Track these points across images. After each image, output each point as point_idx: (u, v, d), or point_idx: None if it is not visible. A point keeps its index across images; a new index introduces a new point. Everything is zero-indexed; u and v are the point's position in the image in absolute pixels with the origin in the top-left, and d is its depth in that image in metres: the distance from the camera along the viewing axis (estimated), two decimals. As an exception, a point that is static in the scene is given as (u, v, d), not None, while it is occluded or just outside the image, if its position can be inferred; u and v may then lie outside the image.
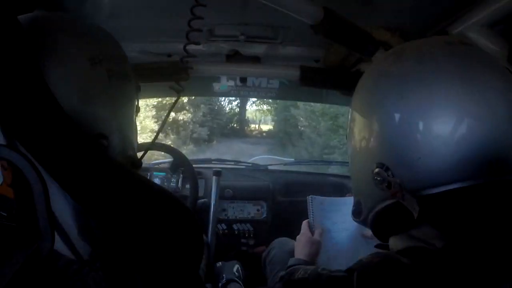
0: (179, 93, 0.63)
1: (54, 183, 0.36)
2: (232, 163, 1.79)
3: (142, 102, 0.64)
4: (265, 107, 13.11)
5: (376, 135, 0.45)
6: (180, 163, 1.24)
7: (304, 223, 0.89)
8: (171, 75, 0.92)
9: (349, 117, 0.52)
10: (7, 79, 0.34)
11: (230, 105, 12.69)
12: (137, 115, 0.58)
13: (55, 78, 0.42)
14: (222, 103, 11.97)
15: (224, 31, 0.85)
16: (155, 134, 0.66)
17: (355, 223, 0.94)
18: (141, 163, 0.56)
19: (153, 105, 7.69)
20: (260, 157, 1.81)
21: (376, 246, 0.54)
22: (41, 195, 0.34)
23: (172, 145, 1.28)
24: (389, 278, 0.41)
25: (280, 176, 1.59)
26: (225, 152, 7.64)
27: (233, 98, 11.00)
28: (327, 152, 6.17)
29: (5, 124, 0.36)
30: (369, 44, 0.70)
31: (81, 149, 0.38)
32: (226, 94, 1.46)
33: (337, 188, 1.45)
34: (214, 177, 1.23)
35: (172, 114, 8.00)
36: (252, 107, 13.71)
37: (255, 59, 0.99)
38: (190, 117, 9.44)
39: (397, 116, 0.43)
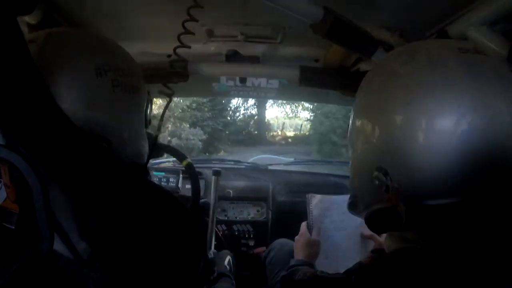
0: (170, 96, 0.62)
1: (54, 184, 0.36)
2: (232, 163, 1.79)
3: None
4: (288, 108, 11.35)
5: (378, 138, 0.44)
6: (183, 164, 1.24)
7: (303, 225, 0.90)
8: (169, 76, 0.92)
9: (352, 114, 0.52)
10: (9, 83, 0.34)
11: (244, 105, 10.56)
12: (147, 126, 0.59)
13: (60, 84, 0.44)
14: (233, 102, 10.08)
15: (223, 31, 0.85)
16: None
17: (354, 223, 0.95)
18: (147, 172, 0.56)
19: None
20: (260, 157, 1.81)
21: (373, 251, 0.54)
22: (41, 195, 0.34)
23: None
24: (387, 281, 0.41)
25: (280, 176, 1.59)
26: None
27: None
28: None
29: (5, 126, 0.36)
30: (368, 44, 0.70)
31: (80, 149, 0.38)
32: (226, 94, 1.46)
33: (338, 188, 1.45)
34: (213, 177, 1.22)
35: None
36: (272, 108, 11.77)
37: (254, 59, 0.99)
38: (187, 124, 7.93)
39: (401, 120, 0.42)
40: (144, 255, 0.39)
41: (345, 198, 0.97)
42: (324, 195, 0.97)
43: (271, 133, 11.47)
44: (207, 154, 7.64)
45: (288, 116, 12.09)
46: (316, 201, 0.94)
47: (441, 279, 0.39)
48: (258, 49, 0.95)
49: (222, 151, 8.54)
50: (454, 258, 0.39)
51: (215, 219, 1.23)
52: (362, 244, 0.90)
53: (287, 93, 1.37)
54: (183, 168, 1.32)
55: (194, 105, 8.28)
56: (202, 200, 1.27)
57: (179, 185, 1.38)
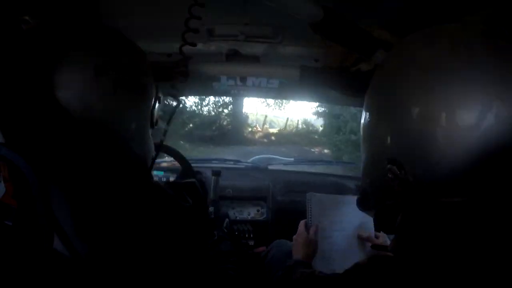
0: (176, 97, 0.61)
1: (53, 183, 0.36)
2: (232, 162, 1.79)
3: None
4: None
5: (394, 129, 0.41)
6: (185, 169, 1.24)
7: (301, 223, 0.90)
8: (169, 76, 0.92)
9: (364, 106, 0.49)
10: (9, 83, 0.34)
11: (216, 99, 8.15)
12: (153, 126, 0.58)
13: (60, 83, 0.43)
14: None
15: (224, 30, 0.85)
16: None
17: (353, 224, 0.95)
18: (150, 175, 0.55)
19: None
20: (260, 156, 1.81)
21: (373, 247, 0.54)
22: (41, 195, 0.34)
23: None
24: (385, 281, 0.40)
25: (280, 176, 1.59)
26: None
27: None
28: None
29: (6, 125, 0.36)
30: (369, 44, 0.70)
31: (79, 148, 0.38)
32: (226, 94, 1.46)
33: (338, 188, 1.45)
34: (213, 177, 1.22)
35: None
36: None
37: (254, 59, 0.99)
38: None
39: (420, 110, 0.38)
40: (144, 254, 0.39)
41: (345, 199, 0.98)
42: (324, 195, 0.97)
43: (250, 129, 9.09)
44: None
45: (272, 109, 10.11)
46: (316, 200, 0.94)
47: (443, 279, 0.38)
48: (258, 48, 0.95)
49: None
50: (459, 258, 0.39)
51: (215, 219, 1.23)
52: (360, 245, 0.90)
53: (287, 93, 1.37)
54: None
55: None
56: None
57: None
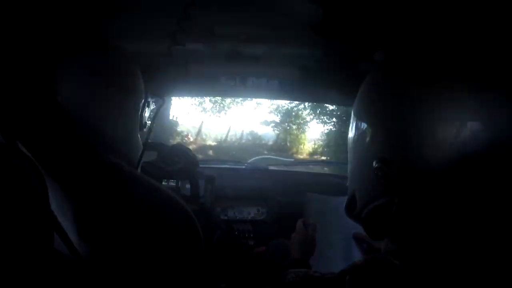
0: (161, 96, 0.62)
1: (52, 182, 0.36)
2: (232, 163, 1.79)
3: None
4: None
5: (381, 129, 0.44)
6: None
7: (299, 222, 0.89)
8: (168, 76, 0.92)
9: (353, 111, 0.51)
10: (11, 82, 0.34)
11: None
12: (141, 129, 0.58)
13: (57, 83, 0.44)
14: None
15: (224, 30, 0.85)
16: None
17: (351, 224, 0.95)
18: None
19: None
20: (260, 157, 1.81)
21: (368, 250, 0.54)
22: (41, 194, 0.34)
23: None
24: (381, 281, 0.40)
25: (280, 177, 1.59)
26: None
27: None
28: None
29: (5, 124, 0.36)
30: (369, 44, 0.70)
31: (78, 149, 0.38)
32: (226, 94, 1.46)
33: (338, 189, 1.45)
34: (207, 185, 1.22)
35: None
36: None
37: (254, 59, 0.99)
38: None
39: (411, 111, 0.41)
40: (142, 253, 0.39)
41: (342, 200, 0.98)
42: (323, 195, 0.97)
43: (179, 139, 7.06)
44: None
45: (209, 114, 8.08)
46: (314, 201, 0.94)
47: (438, 280, 0.38)
48: (258, 49, 0.95)
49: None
50: (450, 257, 0.39)
51: (214, 222, 1.23)
52: (357, 246, 0.90)
53: (287, 93, 1.37)
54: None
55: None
56: (202, 200, 1.27)
57: (179, 185, 1.38)
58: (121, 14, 0.74)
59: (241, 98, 7.54)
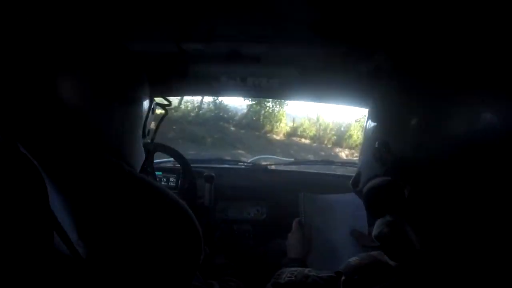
0: (165, 108, 0.62)
1: (53, 183, 0.36)
2: (232, 163, 1.79)
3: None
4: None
5: (386, 113, 0.45)
6: (181, 166, 1.24)
7: (295, 222, 0.90)
8: (169, 76, 0.92)
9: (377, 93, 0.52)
10: (11, 83, 0.34)
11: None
12: (145, 137, 0.57)
13: (60, 88, 0.43)
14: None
15: (224, 30, 0.85)
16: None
17: (346, 223, 0.95)
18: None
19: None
20: (260, 157, 1.82)
21: (364, 246, 0.54)
22: (41, 195, 0.34)
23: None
24: (376, 282, 0.41)
25: (280, 176, 1.59)
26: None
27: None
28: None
29: (5, 125, 0.36)
30: (369, 44, 0.70)
31: (78, 149, 0.38)
32: (226, 94, 1.46)
33: (338, 188, 1.45)
34: (206, 184, 1.22)
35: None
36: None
37: (255, 59, 0.99)
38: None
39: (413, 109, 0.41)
40: (141, 254, 0.39)
41: (337, 198, 0.98)
42: (317, 194, 0.97)
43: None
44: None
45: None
46: (308, 200, 0.94)
47: (433, 277, 0.38)
48: (258, 48, 0.95)
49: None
50: (448, 262, 0.39)
51: (214, 222, 1.23)
52: (353, 244, 0.90)
53: (287, 93, 1.37)
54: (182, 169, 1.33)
55: None
56: (201, 200, 1.27)
57: (179, 185, 1.38)
58: (122, 16, 0.74)
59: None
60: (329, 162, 2.79)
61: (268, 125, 8.59)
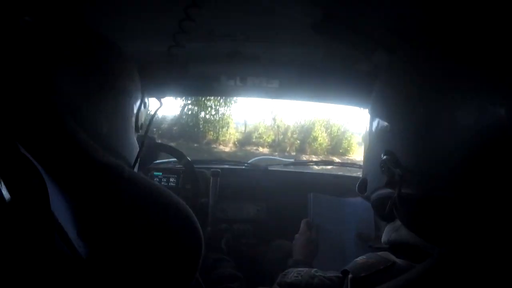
0: (160, 98, 0.61)
1: (53, 183, 0.36)
2: (232, 163, 1.79)
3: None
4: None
5: (391, 121, 0.44)
6: (182, 164, 1.24)
7: (303, 222, 0.89)
8: (169, 76, 0.92)
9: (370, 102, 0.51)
10: (7, 83, 0.33)
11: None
12: (138, 130, 0.57)
13: (52, 82, 0.43)
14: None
15: (224, 30, 0.85)
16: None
17: (353, 225, 0.95)
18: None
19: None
20: (260, 157, 1.82)
21: (370, 247, 0.54)
22: (41, 195, 0.34)
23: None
24: (383, 281, 0.40)
25: (280, 177, 1.59)
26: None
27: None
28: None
29: (4, 125, 0.36)
30: (369, 44, 0.70)
31: (78, 149, 0.38)
32: (226, 94, 1.46)
33: (337, 189, 1.45)
34: (212, 178, 1.23)
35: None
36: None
37: (254, 59, 0.99)
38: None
39: (422, 111, 0.40)
40: (143, 255, 0.39)
41: (346, 201, 0.98)
42: (326, 196, 0.97)
43: None
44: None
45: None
46: (317, 201, 0.94)
47: (438, 278, 0.38)
48: (258, 48, 0.95)
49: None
50: (456, 264, 0.38)
51: (215, 219, 1.23)
52: (361, 246, 0.90)
53: (287, 93, 1.37)
54: (184, 168, 1.33)
55: None
56: (202, 200, 1.28)
57: (179, 185, 1.38)
58: (120, 13, 0.74)
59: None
60: (328, 163, 2.79)
61: (211, 133, 6.62)
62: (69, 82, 0.45)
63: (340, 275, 0.46)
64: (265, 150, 7.26)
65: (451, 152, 0.38)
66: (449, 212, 0.40)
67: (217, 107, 6.81)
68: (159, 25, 0.79)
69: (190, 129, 6.67)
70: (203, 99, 6.52)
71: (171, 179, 1.39)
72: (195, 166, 1.30)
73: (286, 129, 8.03)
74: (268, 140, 7.65)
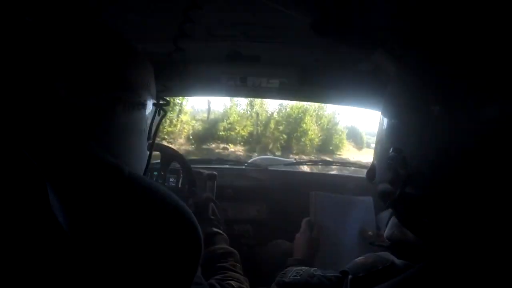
0: (164, 107, 0.57)
1: (53, 184, 0.36)
2: (232, 163, 1.79)
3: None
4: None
5: (402, 119, 0.44)
6: (170, 158, 1.23)
7: (304, 221, 0.88)
8: (169, 76, 0.92)
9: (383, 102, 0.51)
10: (9, 83, 0.33)
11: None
12: (149, 140, 0.55)
13: (60, 90, 0.41)
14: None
15: (224, 30, 0.85)
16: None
17: (355, 224, 0.94)
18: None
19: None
20: (260, 157, 1.82)
21: (371, 244, 0.54)
22: (41, 195, 0.34)
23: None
24: (382, 281, 0.40)
25: (280, 176, 1.59)
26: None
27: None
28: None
29: (4, 126, 0.36)
30: (369, 44, 0.70)
31: (78, 150, 0.38)
32: (226, 94, 1.46)
33: (337, 188, 1.45)
34: (208, 182, 1.22)
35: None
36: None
37: (255, 59, 0.99)
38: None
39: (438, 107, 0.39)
40: (143, 255, 0.39)
41: (348, 199, 0.98)
42: (328, 194, 0.97)
43: None
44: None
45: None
46: (319, 200, 0.94)
47: (437, 278, 0.38)
48: (258, 49, 0.95)
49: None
50: (454, 266, 0.38)
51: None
52: (362, 245, 0.90)
53: (287, 93, 1.37)
54: (183, 168, 1.32)
55: None
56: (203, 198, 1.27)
57: (179, 185, 1.38)
58: (120, 13, 0.74)
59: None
60: (329, 162, 2.79)
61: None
62: (80, 89, 0.43)
63: (339, 275, 0.46)
64: (239, 149, 5.07)
65: (453, 154, 0.38)
66: (448, 213, 0.40)
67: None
68: (159, 27, 0.79)
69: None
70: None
71: (170, 179, 1.39)
72: (194, 165, 1.30)
73: (269, 119, 5.72)
74: (243, 134, 5.34)
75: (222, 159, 1.85)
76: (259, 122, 5.54)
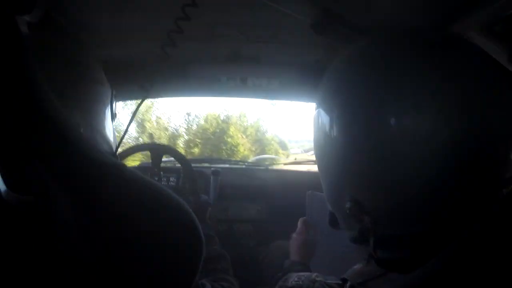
0: (146, 92, 0.60)
1: (54, 184, 0.36)
2: (233, 162, 1.79)
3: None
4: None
5: (351, 157, 0.39)
6: (161, 152, 1.22)
7: (301, 221, 0.87)
8: (169, 76, 0.92)
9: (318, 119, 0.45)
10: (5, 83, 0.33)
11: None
12: (113, 120, 0.59)
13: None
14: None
15: (224, 30, 0.85)
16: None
17: None
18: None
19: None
20: (260, 157, 1.82)
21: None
22: (41, 194, 0.34)
23: None
24: (380, 286, 0.40)
25: (281, 176, 1.59)
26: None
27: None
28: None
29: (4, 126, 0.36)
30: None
31: (78, 149, 0.38)
32: (226, 95, 1.46)
33: None
34: (212, 177, 1.23)
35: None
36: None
37: (255, 59, 0.99)
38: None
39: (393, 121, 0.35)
40: (143, 255, 0.39)
41: None
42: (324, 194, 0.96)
43: None
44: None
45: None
46: (316, 200, 0.93)
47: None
48: (258, 49, 0.95)
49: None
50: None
51: (215, 218, 1.23)
52: (358, 247, 0.89)
53: (287, 93, 1.37)
54: (183, 168, 1.33)
55: None
56: (204, 198, 1.27)
57: (179, 184, 1.38)
58: (116, 13, 0.74)
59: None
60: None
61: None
62: (46, 78, 0.45)
63: (340, 282, 0.46)
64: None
65: (416, 185, 0.36)
66: (427, 246, 0.38)
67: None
68: (157, 25, 0.79)
69: None
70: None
71: (170, 179, 1.39)
72: (195, 165, 1.30)
73: (198, 127, 4.83)
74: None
75: (222, 159, 1.85)
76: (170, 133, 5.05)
